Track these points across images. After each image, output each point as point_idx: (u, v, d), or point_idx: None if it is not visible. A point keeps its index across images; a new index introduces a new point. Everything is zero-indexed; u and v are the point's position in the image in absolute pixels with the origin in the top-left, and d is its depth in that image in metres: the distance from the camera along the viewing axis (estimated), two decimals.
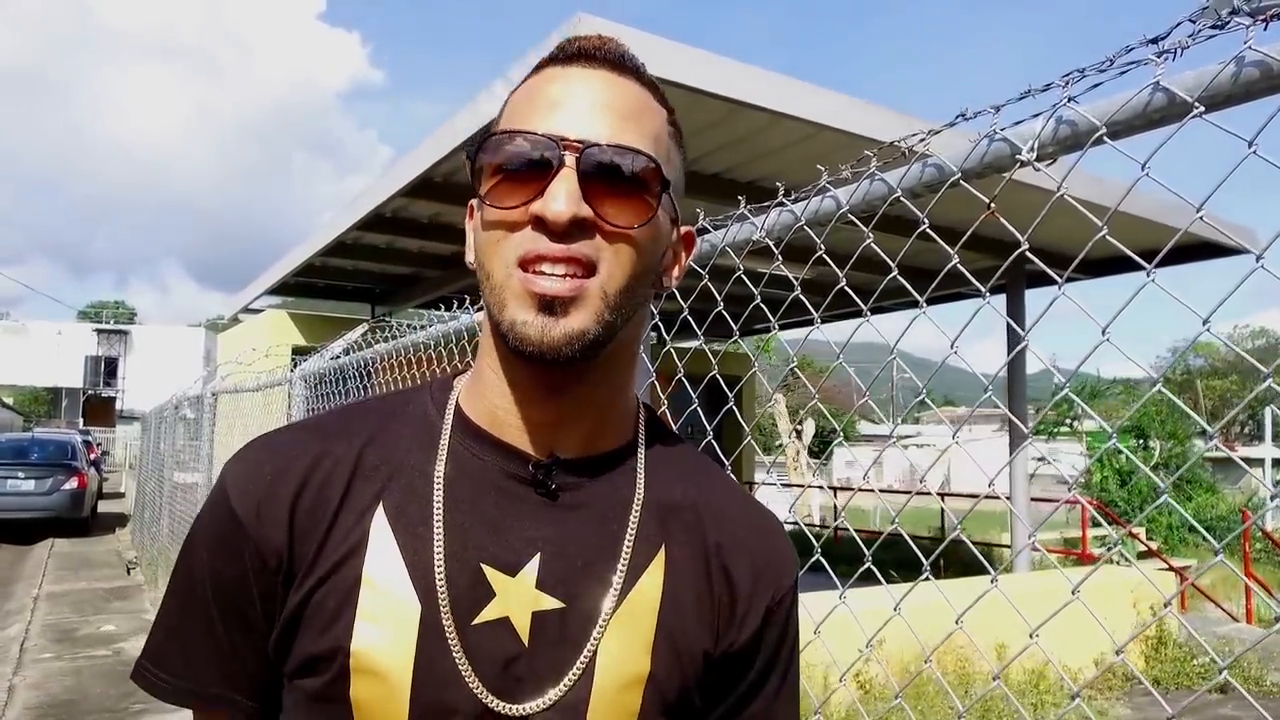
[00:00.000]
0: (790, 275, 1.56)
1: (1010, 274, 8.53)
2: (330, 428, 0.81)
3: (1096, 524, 12.87)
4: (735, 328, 1.76)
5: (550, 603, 0.74)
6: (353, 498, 0.76)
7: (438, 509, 0.76)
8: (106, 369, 46.13)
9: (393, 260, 10.54)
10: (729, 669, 0.82)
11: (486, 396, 0.80)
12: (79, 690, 5.79)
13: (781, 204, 1.45)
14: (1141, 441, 21.19)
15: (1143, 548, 12.28)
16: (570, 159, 0.70)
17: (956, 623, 1.25)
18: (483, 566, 0.74)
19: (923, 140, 1.32)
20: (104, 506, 17.57)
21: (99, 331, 47.69)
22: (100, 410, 43.83)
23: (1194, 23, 1.09)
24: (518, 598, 0.74)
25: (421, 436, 0.80)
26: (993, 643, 5.76)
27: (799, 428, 26.05)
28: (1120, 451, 20.42)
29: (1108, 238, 1.05)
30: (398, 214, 8.55)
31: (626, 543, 0.78)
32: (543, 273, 0.70)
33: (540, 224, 0.70)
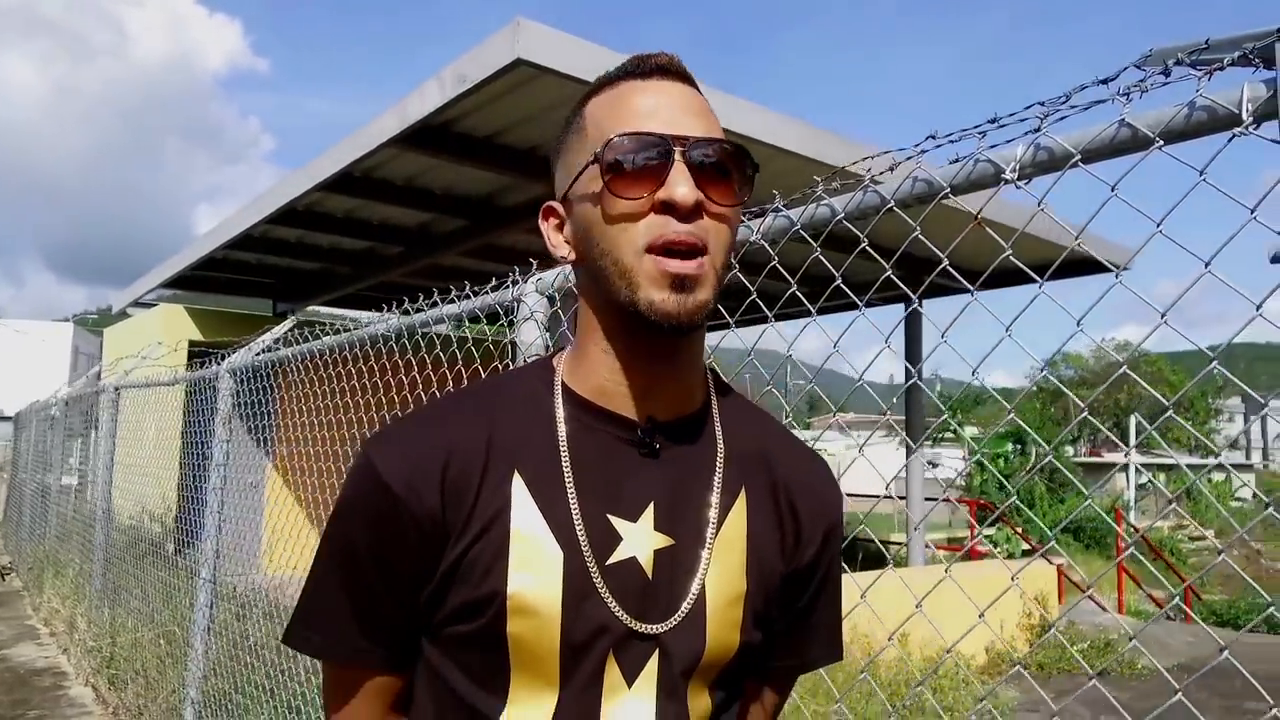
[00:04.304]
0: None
1: (909, 285, 8.98)
2: (458, 412, 0.93)
3: (980, 521, 13.59)
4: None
5: (665, 541, 0.90)
6: (491, 469, 0.88)
7: (567, 472, 0.89)
8: None
9: (300, 255, 10.31)
10: (794, 585, 0.98)
11: (595, 372, 0.92)
12: None
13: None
14: (1019, 447, 22.50)
15: (1025, 545, 13.06)
16: (678, 153, 0.83)
17: (861, 597, 1.44)
18: (609, 517, 0.88)
19: (889, 163, 1.51)
20: None
21: None
22: None
23: (1140, 69, 1.29)
24: (640, 540, 0.89)
25: (538, 413, 0.92)
26: (894, 632, 6.07)
27: None
28: (1000, 456, 21.67)
29: (1011, 256, 1.28)
30: (312, 208, 8.40)
31: (715, 488, 0.93)
32: (675, 255, 0.82)
33: (666, 209, 0.82)
